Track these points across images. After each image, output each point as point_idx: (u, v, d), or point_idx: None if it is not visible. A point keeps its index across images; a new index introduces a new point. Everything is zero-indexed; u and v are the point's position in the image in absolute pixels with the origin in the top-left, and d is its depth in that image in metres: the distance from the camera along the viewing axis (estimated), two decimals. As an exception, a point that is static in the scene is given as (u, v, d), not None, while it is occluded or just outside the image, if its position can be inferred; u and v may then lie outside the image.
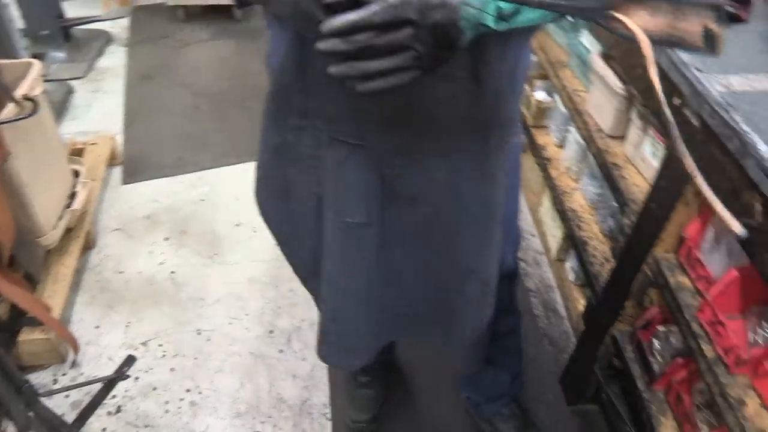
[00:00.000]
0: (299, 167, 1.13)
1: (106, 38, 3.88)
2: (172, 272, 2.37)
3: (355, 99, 0.95)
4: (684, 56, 1.20)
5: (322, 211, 1.14)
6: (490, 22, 0.72)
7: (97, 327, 2.15)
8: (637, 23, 0.70)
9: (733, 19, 1.35)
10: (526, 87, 2.29)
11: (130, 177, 2.82)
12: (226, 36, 3.97)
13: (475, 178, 1.08)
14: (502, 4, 0.72)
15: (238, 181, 2.81)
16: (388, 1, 0.66)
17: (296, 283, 1.48)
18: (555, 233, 2.23)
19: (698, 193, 1.24)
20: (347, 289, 1.22)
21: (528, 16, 0.76)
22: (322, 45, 0.69)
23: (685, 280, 1.33)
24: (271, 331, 2.15)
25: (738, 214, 1.02)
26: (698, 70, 1.15)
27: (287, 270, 1.40)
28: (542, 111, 2.24)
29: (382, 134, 0.99)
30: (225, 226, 2.58)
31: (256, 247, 2.46)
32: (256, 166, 1.24)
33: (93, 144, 2.74)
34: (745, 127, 1.00)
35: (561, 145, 2.17)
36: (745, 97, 1.07)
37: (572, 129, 1.99)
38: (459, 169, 1.06)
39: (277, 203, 1.23)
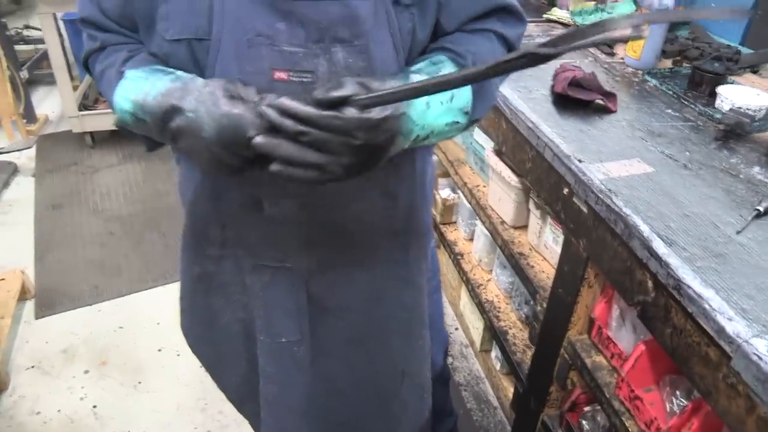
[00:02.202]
0: (223, 295, 1.13)
1: (12, 169, 3.78)
2: (94, 406, 2.23)
3: (274, 225, 0.97)
4: (565, 148, 1.29)
5: (251, 335, 1.13)
6: (411, 138, 0.75)
7: (11, 480, 1.98)
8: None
9: (604, 110, 1.48)
10: (431, 186, 2.38)
11: (43, 310, 2.69)
12: (136, 159, 3.95)
13: (398, 286, 1.11)
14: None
15: (157, 306, 2.71)
16: (346, 115, 0.67)
17: (225, 405, 1.43)
18: (477, 325, 2.26)
19: (598, 275, 1.31)
20: (288, 407, 1.19)
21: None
22: (271, 114, 0.69)
23: (600, 360, 1.37)
24: (202, 459, 2.04)
25: (633, 291, 1.08)
26: (579, 160, 1.24)
27: (215, 392, 1.36)
28: (449, 208, 2.32)
29: (304, 255, 1.01)
30: (147, 352, 2.48)
31: (181, 372, 2.36)
32: (179, 297, 1.23)
33: (1, 280, 2.61)
34: (626, 211, 1.08)
35: (470, 239, 2.24)
36: (622, 182, 1.16)
37: (478, 222, 2.07)
38: (382, 279, 1.09)
39: (203, 333, 1.22)
